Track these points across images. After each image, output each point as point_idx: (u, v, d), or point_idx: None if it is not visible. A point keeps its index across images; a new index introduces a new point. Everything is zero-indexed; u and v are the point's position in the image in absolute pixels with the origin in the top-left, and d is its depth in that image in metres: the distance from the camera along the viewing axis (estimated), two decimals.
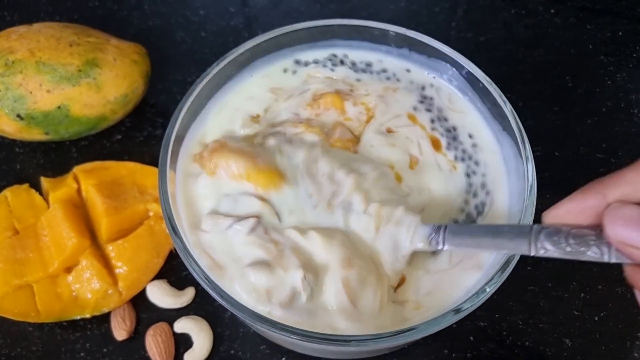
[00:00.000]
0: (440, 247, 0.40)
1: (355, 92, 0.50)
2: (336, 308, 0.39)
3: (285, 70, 0.52)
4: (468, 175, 0.47)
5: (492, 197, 0.45)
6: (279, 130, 0.47)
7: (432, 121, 0.49)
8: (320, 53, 0.52)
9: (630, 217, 0.30)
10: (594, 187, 0.32)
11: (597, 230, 0.32)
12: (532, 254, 0.34)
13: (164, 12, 0.72)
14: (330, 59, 0.52)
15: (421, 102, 0.50)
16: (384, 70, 0.52)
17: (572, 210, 0.33)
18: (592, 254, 0.32)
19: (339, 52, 0.53)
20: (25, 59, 0.53)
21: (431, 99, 0.50)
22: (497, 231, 0.38)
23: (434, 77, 0.51)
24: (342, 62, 0.52)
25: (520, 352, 0.51)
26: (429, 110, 0.49)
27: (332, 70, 0.52)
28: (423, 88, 0.51)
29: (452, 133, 0.48)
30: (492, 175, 0.46)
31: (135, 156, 0.59)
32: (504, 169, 0.47)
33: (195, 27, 0.70)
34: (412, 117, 0.49)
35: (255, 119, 0.50)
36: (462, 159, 0.47)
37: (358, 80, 0.51)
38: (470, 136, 0.48)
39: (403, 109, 0.49)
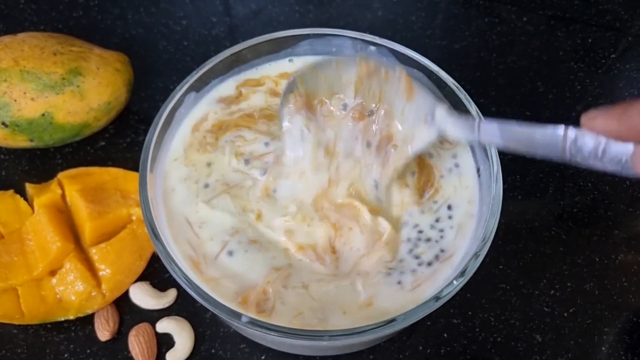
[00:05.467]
0: (475, 137, 0.41)
1: None
2: None
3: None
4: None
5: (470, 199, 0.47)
6: None
7: None
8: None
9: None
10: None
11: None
12: (567, 159, 0.35)
13: (147, 22, 0.73)
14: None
15: None
16: None
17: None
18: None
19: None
20: (10, 67, 0.54)
21: None
22: (529, 130, 0.38)
23: None
24: None
25: (492, 347, 0.53)
26: None
27: None
28: None
29: None
30: (465, 178, 0.48)
31: (119, 162, 0.61)
32: (473, 169, 0.49)
33: (178, 36, 0.72)
34: None
35: None
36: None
37: None
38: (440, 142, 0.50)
39: None
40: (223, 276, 0.43)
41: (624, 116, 0.32)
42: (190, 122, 0.51)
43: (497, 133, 0.39)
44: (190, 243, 0.45)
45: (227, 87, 0.53)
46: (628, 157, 0.33)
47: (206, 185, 0.47)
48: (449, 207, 0.46)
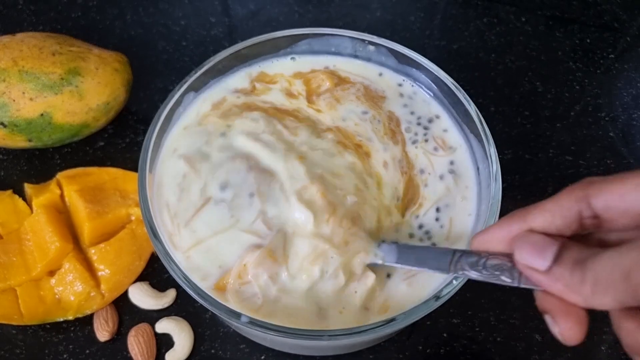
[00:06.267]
0: (380, 262, 0.42)
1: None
2: None
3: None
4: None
5: (464, 195, 0.47)
6: None
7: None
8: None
9: (534, 242, 0.31)
10: (518, 215, 0.33)
11: (511, 257, 0.33)
12: (452, 274, 0.37)
13: (145, 22, 0.73)
14: None
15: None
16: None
17: (498, 237, 0.34)
18: (505, 278, 0.33)
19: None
20: (9, 67, 0.54)
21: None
22: (425, 252, 0.41)
23: (404, 80, 0.53)
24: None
25: (492, 347, 0.53)
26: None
27: None
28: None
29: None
30: (463, 173, 0.48)
31: (118, 162, 0.61)
32: (473, 169, 0.49)
33: (177, 36, 0.72)
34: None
35: None
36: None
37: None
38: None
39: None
40: (198, 243, 0.43)
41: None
42: (195, 113, 0.51)
43: (398, 256, 0.42)
44: (170, 209, 0.45)
45: (240, 79, 0.53)
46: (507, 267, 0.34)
47: (223, 134, 0.48)
48: (438, 210, 0.46)
